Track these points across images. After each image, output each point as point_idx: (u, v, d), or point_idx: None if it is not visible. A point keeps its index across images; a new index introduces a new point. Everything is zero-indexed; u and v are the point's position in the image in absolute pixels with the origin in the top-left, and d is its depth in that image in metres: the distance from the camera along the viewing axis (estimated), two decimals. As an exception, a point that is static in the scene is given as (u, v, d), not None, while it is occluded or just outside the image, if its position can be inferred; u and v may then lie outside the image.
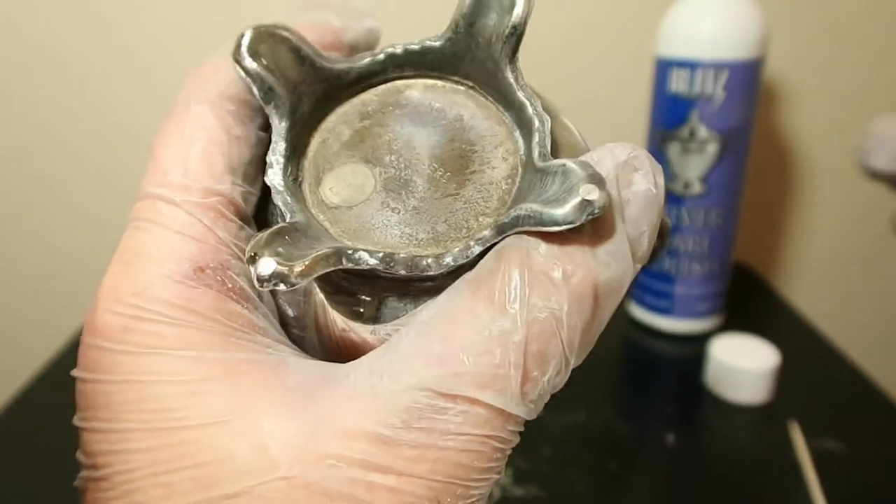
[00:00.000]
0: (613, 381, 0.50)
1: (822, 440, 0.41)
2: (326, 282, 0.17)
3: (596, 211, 0.13)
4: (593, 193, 0.13)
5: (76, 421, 0.15)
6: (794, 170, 0.67)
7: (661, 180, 0.15)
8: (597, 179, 0.14)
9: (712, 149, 0.48)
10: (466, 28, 0.17)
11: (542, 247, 0.14)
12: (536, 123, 0.16)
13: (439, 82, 0.18)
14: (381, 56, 0.18)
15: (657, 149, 0.51)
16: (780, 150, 0.66)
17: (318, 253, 0.14)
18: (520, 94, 0.17)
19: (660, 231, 0.18)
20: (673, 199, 0.51)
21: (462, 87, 0.18)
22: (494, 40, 0.17)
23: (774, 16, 0.49)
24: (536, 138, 0.16)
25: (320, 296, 0.17)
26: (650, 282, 0.54)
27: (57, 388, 0.47)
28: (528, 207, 0.14)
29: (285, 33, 0.17)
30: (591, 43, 0.61)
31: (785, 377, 0.45)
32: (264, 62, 0.16)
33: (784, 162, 0.67)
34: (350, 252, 0.15)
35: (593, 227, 0.14)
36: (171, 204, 0.16)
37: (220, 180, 0.16)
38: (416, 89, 0.18)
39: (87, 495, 0.14)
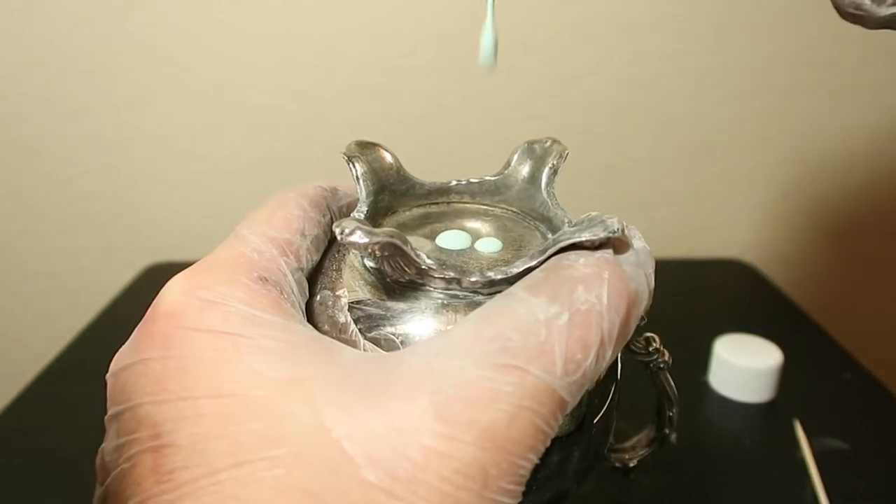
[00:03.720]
0: (630, 383, 0.50)
1: (826, 439, 0.41)
2: (362, 319, 0.19)
3: (615, 230, 0.17)
4: (612, 220, 0.18)
5: (128, 404, 0.16)
6: (800, 169, 0.67)
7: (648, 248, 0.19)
8: (613, 216, 0.18)
9: None
10: (516, 168, 0.24)
11: (581, 259, 0.17)
12: (566, 220, 0.21)
13: (489, 207, 0.24)
14: (451, 183, 0.24)
15: None
16: (787, 149, 0.66)
17: (390, 230, 0.17)
18: (554, 209, 0.22)
19: (671, 401, 0.27)
20: None
21: (506, 211, 0.24)
22: (537, 177, 0.23)
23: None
24: (566, 226, 0.20)
25: (354, 327, 0.19)
26: None
27: (57, 388, 0.47)
28: (563, 233, 0.18)
29: (382, 147, 0.23)
30: (608, 40, 0.61)
31: (789, 376, 0.45)
32: (363, 156, 0.22)
33: (790, 161, 0.66)
34: (413, 246, 0.18)
35: (615, 248, 0.18)
36: (253, 234, 0.19)
37: (292, 234, 0.20)
38: (471, 208, 0.24)
39: (137, 469, 0.15)
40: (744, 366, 0.45)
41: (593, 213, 0.18)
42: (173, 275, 0.18)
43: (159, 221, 0.66)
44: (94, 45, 0.60)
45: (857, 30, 0.24)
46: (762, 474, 0.39)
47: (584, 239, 0.17)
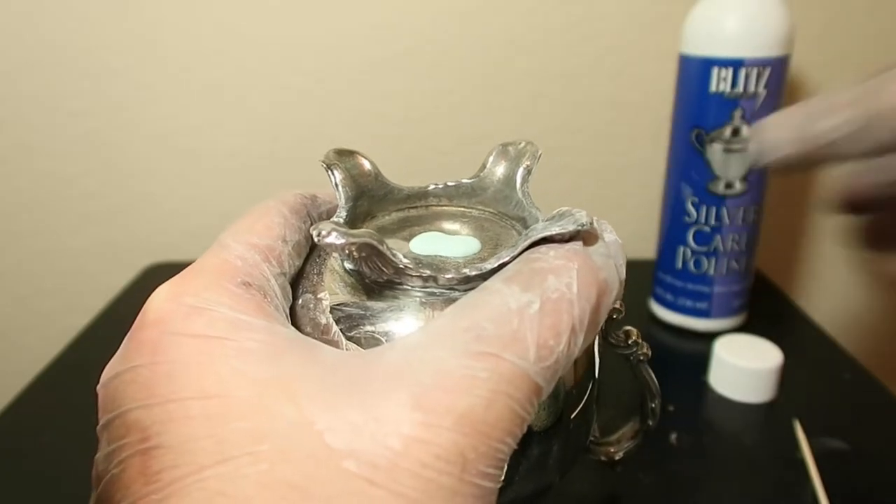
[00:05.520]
0: (615, 378, 0.50)
1: (826, 439, 0.41)
2: (343, 319, 0.20)
3: (585, 223, 0.18)
4: (581, 214, 0.18)
5: (118, 411, 0.16)
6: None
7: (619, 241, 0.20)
8: (581, 211, 0.19)
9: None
10: (491, 170, 0.24)
11: (552, 252, 0.18)
12: (540, 218, 0.21)
13: (467, 209, 0.25)
14: (428, 187, 0.25)
15: (692, 150, 0.49)
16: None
17: (366, 230, 0.18)
18: (529, 209, 0.22)
19: (652, 393, 0.28)
20: (714, 199, 0.50)
21: (483, 212, 0.24)
22: (512, 178, 0.23)
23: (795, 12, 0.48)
24: (539, 224, 0.20)
25: (336, 328, 0.19)
26: (689, 285, 0.53)
27: (57, 388, 0.47)
28: (535, 228, 0.19)
29: (360, 154, 0.24)
30: (606, 41, 0.61)
31: (789, 376, 0.45)
32: (341, 163, 0.23)
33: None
34: (389, 246, 0.18)
35: (585, 240, 0.19)
36: (236, 241, 0.20)
37: (273, 240, 0.20)
38: (449, 210, 0.25)
39: (127, 473, 0.15)
40: (744, 366, 0.45)
41: (563, 208, 0.19)
42: (173, 275, 0.18)
43: (159, 221, 0.66)
44: (94, 45, 0.60)
45: (876, 20, 0.24)
46: (762, 474, 0.39)
47: (554, 233, 0.18)
